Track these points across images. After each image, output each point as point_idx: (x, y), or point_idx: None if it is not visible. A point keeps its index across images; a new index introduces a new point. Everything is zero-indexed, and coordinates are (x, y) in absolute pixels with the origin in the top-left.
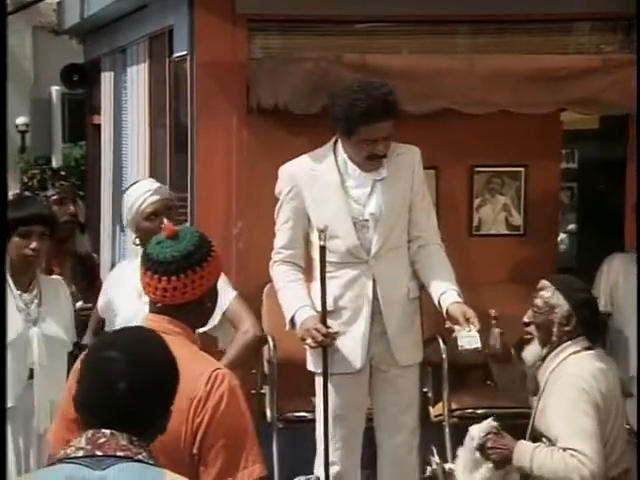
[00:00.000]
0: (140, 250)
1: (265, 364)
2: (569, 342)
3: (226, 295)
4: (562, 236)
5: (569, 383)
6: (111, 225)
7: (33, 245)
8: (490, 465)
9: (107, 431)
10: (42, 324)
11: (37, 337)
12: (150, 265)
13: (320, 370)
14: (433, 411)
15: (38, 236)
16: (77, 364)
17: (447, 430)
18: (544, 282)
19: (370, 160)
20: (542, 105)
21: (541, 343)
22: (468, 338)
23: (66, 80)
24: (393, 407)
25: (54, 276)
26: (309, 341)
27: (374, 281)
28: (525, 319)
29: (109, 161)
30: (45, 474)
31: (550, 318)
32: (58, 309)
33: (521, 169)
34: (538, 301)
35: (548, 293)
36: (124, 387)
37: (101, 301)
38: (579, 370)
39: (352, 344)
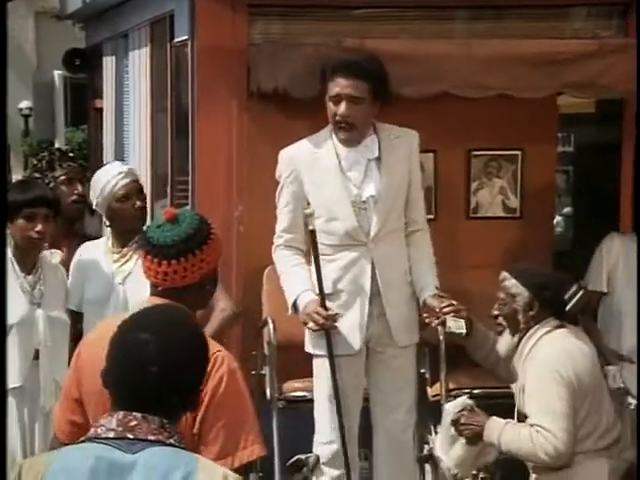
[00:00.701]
0: (109, 231)
1: (265, 345)
2: (537, 325)
3: None
4: (558, 219)
5: (542, 365)
6: None
7: (38, 228)
8: (463, 441)
9: (138, 414)
10: (46, 305)
11: (42, 318)
12: (150, 249)
13: (318, 352)
14: (431, 391)
15: (43, 218)
16: (83, 345)
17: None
18: (504, 274)
19: (336, 126)
20: (539, 89)
21: (512, 332)
22: (456, 323)
23: (68, 65)
24: (390, 387)
25: (53, 251)
26: (311, 325)
27: (373, 263)
28: (493, 312)
29: (111, 145)
30: (74, 452)
31: (514, 307)
32: (59, 291)
33: (518, 152)
34: (501, 293)
35: (509, 283)
36: (155, 370)
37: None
38: (552, 350)
39: (350, 326)
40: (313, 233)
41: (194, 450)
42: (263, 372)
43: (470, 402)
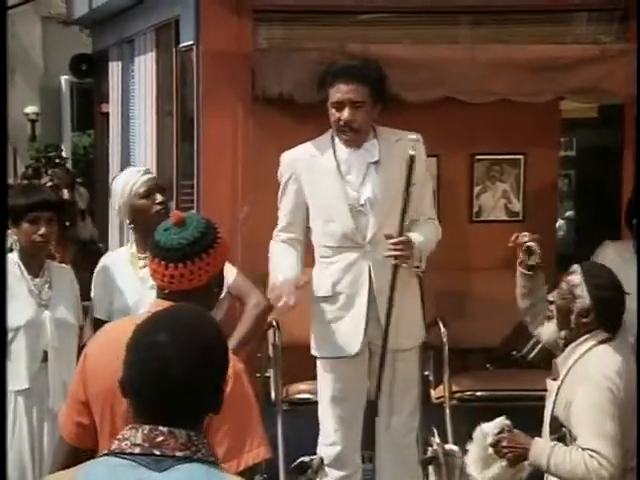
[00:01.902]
0: (132, 237)
1: (270, 348)
2: (588, 335)
3: (228, 272)
4: (560, 222)
5: (596, 383)
6: None
7: (42, 231)
8: (504, 463)
9: (165, 429)
10: (53, 308)
11: (49, 320)
12: (157, 252)
13: (321, 354)
14: (434, 393)
15: (46, 222)
16: (89, 347)
17: (448, 412)
18: (575, 267)
19: (339, 131)
20: (541, 94)
21: (559, 326)
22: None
23: (75, 70)
24: (392, 389)
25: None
26: (280, 303)
27: (370, 268)
28: (550, 297)
29: (117, 149)
30: (99, 468)
31: (570, 306)
32: (67, 294)
33: (520, 157)
34: (563, 284)
35: (575, 280)
36: (178, 371)
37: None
38: (605, 368)
39: (350, 328)
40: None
41: None
42: (268, 374)
43: (507, 422)
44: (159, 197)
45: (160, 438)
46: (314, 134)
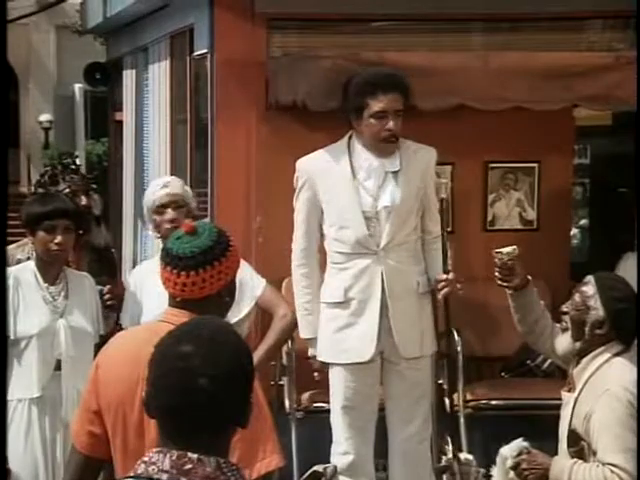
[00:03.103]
0: (161, 243)
1: (284, 356)
2: (604, 347)
3: (256, 283)
4: (574, 231)
5: (616, 396)
6: (133, 220)
7: (58, 239)
8: None
9: (194, 456)
10: (69, 316)
11: (64, 328)
12: (169, 260)
13: (331, 361)
14: (448, 402)
15: (63, 230)
16: (101, 356)
17: (462, 421)
18: (589, 277)
19: (384, 141)
20: (555, 101)
21: (573, 337)
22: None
23: (89, 78)
24: (404, 398)
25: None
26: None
27: (382, 274)
28: (563, 308)
29: (131, 157)
30: None
31: (584, 317)
32: (84, 302)
33: (534, 165)
34: (577, 296)
35: (589, 292)
36: (205, 382)
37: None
38: (624, 381)
39: (362, 335)
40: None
41: None
42: (282, 382)
43: (525, 444)
44: (170, 214)
45: (188, 466)
46: (327, 142)
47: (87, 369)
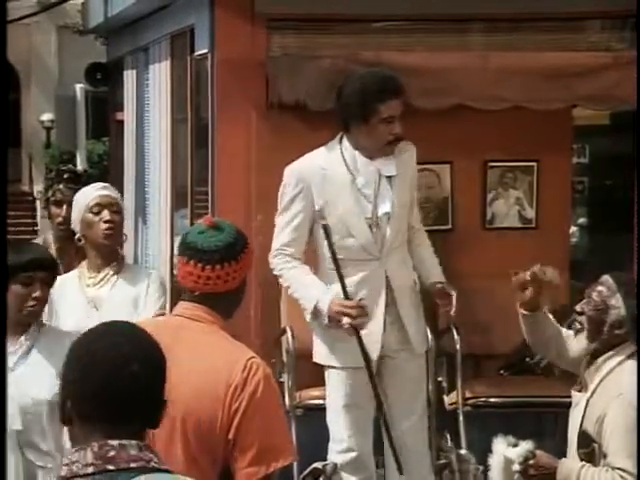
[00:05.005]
0: (86, 250)
1: (284, 354)
2: (619, 347)
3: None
4: (573, 229)
5: (631, 403)
6: (133, 219)
7: (36, 294)
8: None
9: (115, 442)
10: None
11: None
12: (193, 254)
13: (335, 364)
14: (447, 400)
15: (40, 283)
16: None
17: (461, 418)
18: (606, 277)
19: (390, 144)
20: (554, 101)
21: (589, 338)
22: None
23: (90, 78)
24: (402, 393)
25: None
26: (345, 320)
27: (386, 275)
28: (578, 308)
29: (132, 157)
30: None
31: (603, 317)
32: (48, 365)
33: (533, 164)
34: (595, 295)
35: (607, 291)
36: (135, 368)
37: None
38: (635, 384)
39: (367, 339)
40: (326, 227)
41: (227, 455)
42: (282, 380)
43: (531, 448)
44: (107, 215)
45: (112, 453)
46: (328, 141)
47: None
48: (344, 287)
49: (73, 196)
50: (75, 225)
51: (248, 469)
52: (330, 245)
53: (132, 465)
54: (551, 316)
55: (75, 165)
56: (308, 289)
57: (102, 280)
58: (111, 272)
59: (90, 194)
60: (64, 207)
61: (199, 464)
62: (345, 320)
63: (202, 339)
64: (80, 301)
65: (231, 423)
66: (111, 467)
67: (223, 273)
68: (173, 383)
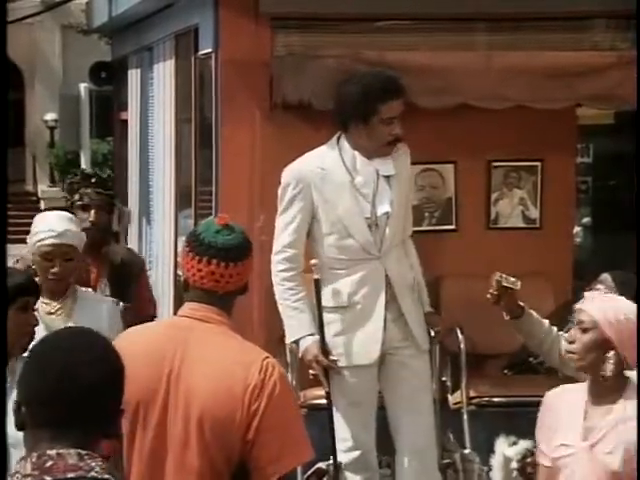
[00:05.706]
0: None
1: (287, 353)
2: None
3: None
4: (577, 229)
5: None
6: (137, 219)
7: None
8: None
9: (53, 452)
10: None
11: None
12: (214, 252)
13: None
14: (452, 399)
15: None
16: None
17: (465, 417)
18: (605, 275)
19: (389, 144)
20: (558, 100)
21: None
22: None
23: (94, 77)
24: (406, 387)
25: None
26: (313, 370)
27: (386, 273)
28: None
29: (136, 156)
30: None
31: None
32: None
33: (537, 163)
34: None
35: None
36: (86, 372)
37: None
38: None
39: (367, 337)
40: (318, 282)
41: (244, 456)
42: None
43: (529, 446)
44: (56, 266)
45: (49, 463)
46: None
47: None
48: (323, 336)
49: (100, 201)
50: (28, 250)
51: (267, 468)
52: (318, 300)
53: (69, 475)
54: (536, 314)
55: (79, 165)
56: (292, 319)
57: (59, 309)
58: (68, 302)
59: (46, 237)
60: (92, 212)
61: (215, 465)
62: (312, 371)
63: (214, 340)
64: (39, 329)
65: (250, 423)
66: (48, 478)
67: (243, 269)
68: (187, 385)
